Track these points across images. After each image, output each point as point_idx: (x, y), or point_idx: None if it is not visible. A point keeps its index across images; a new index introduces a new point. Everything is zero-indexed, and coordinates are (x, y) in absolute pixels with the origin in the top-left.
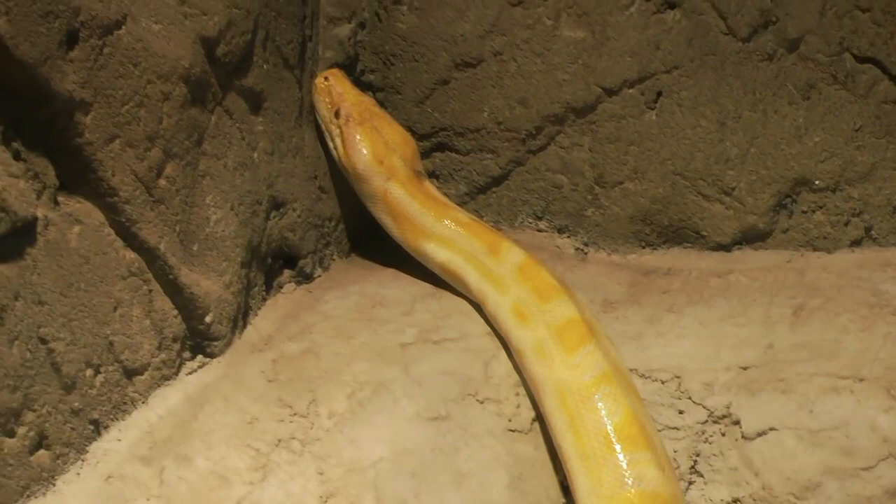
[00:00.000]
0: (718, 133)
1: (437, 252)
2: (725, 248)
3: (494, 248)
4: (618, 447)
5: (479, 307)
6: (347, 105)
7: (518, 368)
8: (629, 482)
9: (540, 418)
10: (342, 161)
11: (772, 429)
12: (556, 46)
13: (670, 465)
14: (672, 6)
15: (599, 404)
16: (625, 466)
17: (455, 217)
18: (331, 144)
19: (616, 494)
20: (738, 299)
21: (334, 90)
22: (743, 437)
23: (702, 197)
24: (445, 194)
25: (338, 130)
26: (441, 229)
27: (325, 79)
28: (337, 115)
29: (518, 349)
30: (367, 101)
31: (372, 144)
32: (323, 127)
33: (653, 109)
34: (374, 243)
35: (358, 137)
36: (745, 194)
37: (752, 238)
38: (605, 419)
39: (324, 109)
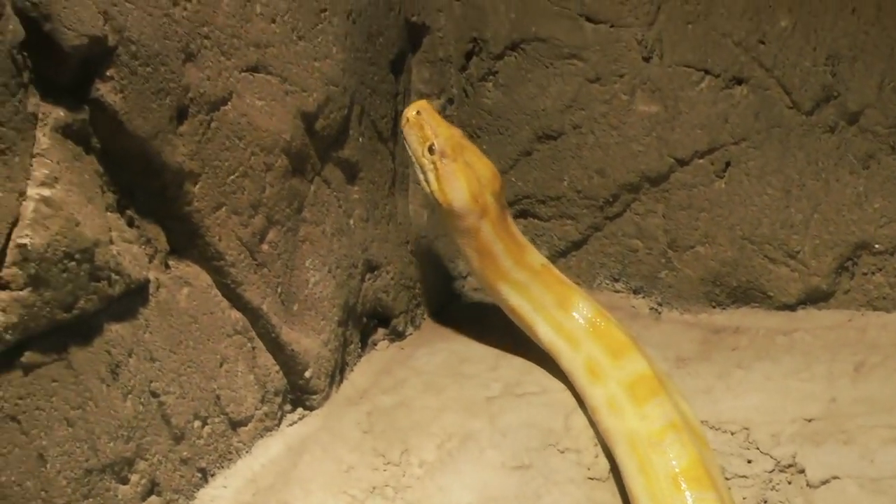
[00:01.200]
0: (784, 200)
1: (510, 295)
2: (790, 307)
3: (564, 301)
4: (684, 487)
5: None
6: (441, 140)
7: (591, 420)
8: None
9: (616, 467)
10: (436, 196)
11: (835, 477)
12: (632, 120)
13: (734, 503)
14: (740, 82)
15: (667, 449)
16: None
17: (530, 264)
18: (422, 177)
19: None
20: (803, 356)
21: (427, 124)
22: (808, 485)
23: (768, 260)
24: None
25: (431, 166)
26: (517, 274)
27: (417, 112)
28: (431, 150)
29: (591, 405)
30: (456, 133)
31: (468, 183)
32: (413, 159)
33: (722, 178)
34: (462, 303)
35: (455, 176)
36: (809, 257)
37: (815, 298)
38: (673, 462)
39: (416, 143)
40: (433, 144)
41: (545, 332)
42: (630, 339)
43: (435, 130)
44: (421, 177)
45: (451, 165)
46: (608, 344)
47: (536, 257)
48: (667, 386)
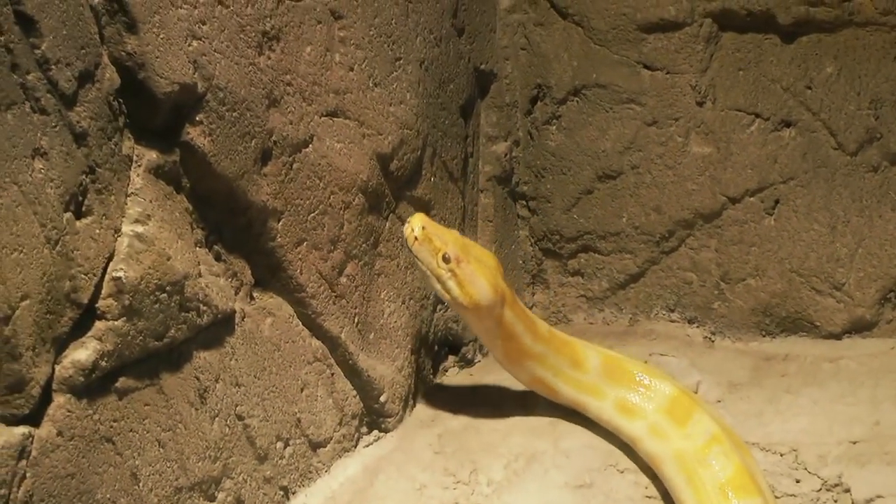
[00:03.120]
0: (830, 236)
1: (535, 369)
2: (836, 336)
3: (575, 360)
4: (732, 496)
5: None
6: (451, 247)
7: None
8: None
9: (661, 486)
10: (461, 300)
11: (879, 496)
12: (686, 161)
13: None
14: (788, 125)
15: (713, 462)
16: None
17: (542, 334)
18: (439, 287)
19: None
20: (848, 382)
21: (434, 236)
22: (853, 503)
23: (815, 292)
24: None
25: (449, 274)
26: (536, 348)
27: (423, 228)
28: (445, 259)
29: (633, 438)
30: (457, 236)
31: (486, 278)
32: (428, 272)
33: (771, 215)
34: None
35: (475, 275)
36: (854, 289)
37: (859, 328)
38: (720, 474)
39: (429, 257)
40: (446, 253)
41: (568, 392)
42: (647, 368)
43: (443, 239)
44: (438, 287)
45: (467, 267)
46: (629, 383)
47: (542, 325)
48: (697, 400)
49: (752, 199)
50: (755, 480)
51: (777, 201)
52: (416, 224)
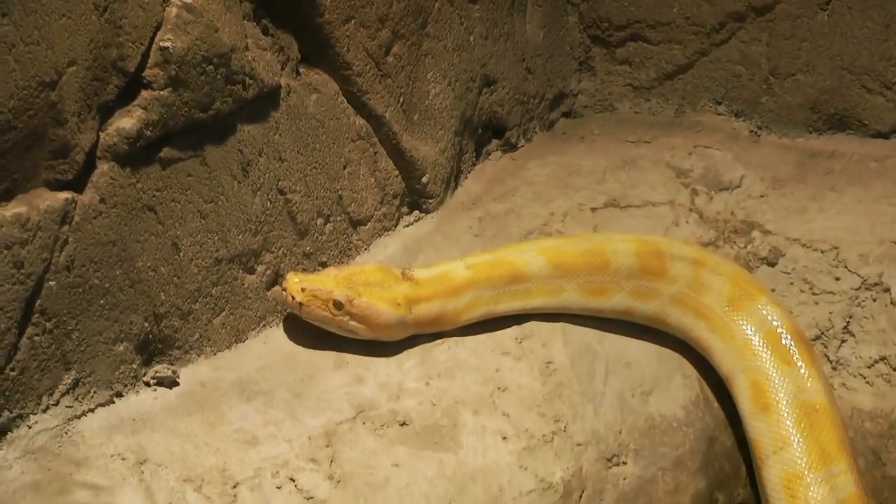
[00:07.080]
0: (883, 34)
1: (473, 314)
2: (884, 135)
3: (511, 274)
4: (731, 308)
5: (665, 180)
6: (336, 291)
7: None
8: (752, 330)
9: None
10: (370, 335)
11: None
12: None
13: (780, 302)
14: None
15: (705, 284)
16: (745, 319)
17: (463, 280)
18: (344, 332)
19: (748, 342)
20: (894, 182)
21: (318, 290)
22: (892, 303)
23: (865, 90)
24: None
25: (346, 317)
26: (463, 299)
27: (302, 290)
28: (337, 305)
29: (624, 313)
30: (335, 274)
31: (381, 298)
32: (329, 327)
33: (825, 11)
34: (573, 119)
35: (370, 303)
36: None
37: None
38: (720, 293)
39: (322, 312)
40: (336, 300)
41: (521, 308)
42: (594, 239)
43: (325, 287)
44: (343, 332)
45: (361, 302)
46: (587, 264)
47: (458, 270)
48: (659, 240)
49: None
50: (750, 280)
51: None
52: (294, 289)
